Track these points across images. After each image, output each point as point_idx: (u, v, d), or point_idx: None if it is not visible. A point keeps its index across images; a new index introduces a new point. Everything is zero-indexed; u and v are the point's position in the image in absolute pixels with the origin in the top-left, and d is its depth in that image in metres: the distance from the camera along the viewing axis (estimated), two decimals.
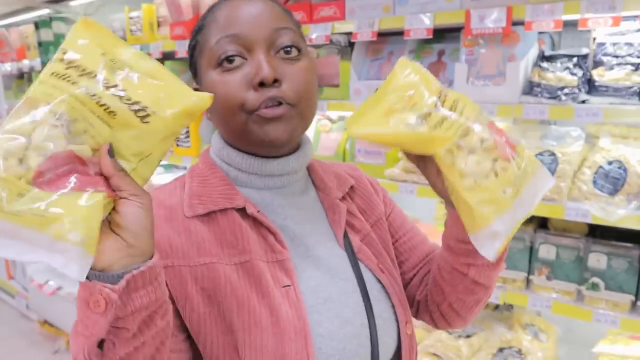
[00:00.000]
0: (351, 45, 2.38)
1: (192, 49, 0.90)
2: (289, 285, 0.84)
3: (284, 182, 0.91)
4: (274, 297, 0.81)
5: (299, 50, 0.85)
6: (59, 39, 3.61)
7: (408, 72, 0.80)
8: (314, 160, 1.01)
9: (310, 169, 0.99)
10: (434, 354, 2.05)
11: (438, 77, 2.20)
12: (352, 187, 1.02)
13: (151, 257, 0.64)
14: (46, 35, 3.56)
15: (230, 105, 0.82)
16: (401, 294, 0.98)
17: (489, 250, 0.78)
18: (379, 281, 0.94)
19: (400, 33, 2.08)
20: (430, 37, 1.95)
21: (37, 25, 3.57)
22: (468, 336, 2.13)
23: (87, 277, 0.59)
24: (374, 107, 0.80)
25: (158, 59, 3.17)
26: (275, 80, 0.82)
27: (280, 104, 0.82)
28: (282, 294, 0.83)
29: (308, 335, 0.81)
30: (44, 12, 4.04)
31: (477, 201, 0.76)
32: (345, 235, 0.94)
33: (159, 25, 3.19)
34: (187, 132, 3.06)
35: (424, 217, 2.51)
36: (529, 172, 0.79)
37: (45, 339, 3.91)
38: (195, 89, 0.85)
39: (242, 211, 0.87)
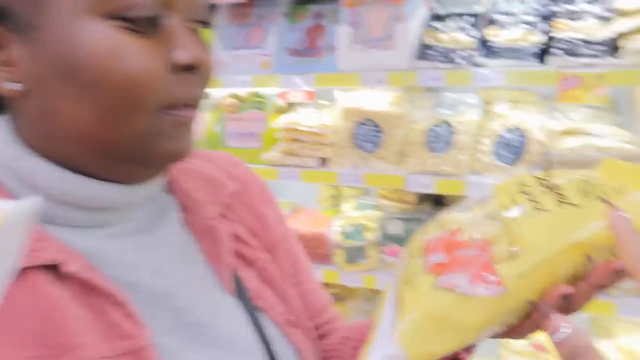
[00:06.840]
0: (213, 9, 2.04)
1: None
2: None
3: (121, 218, 0.57)
4: None
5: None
6: None
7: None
8: None
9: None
10: None
11: (316, 44, 1.99)
12: (234, 194, 0.68)
13: None
14: None
15: (134, 93, 0.49)
16: (320, 353, 0.70)
17: None
18: (290, 341, 0.64)
19: None
20: None
21: None
22: None
23: None
24: None
25: None
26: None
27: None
28: None
29: None
30: None
31: None
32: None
33: None
34: None
35: (307, 202, 2.28)
36: None
37: None
38: None
39: (54, 270, 0.49)
